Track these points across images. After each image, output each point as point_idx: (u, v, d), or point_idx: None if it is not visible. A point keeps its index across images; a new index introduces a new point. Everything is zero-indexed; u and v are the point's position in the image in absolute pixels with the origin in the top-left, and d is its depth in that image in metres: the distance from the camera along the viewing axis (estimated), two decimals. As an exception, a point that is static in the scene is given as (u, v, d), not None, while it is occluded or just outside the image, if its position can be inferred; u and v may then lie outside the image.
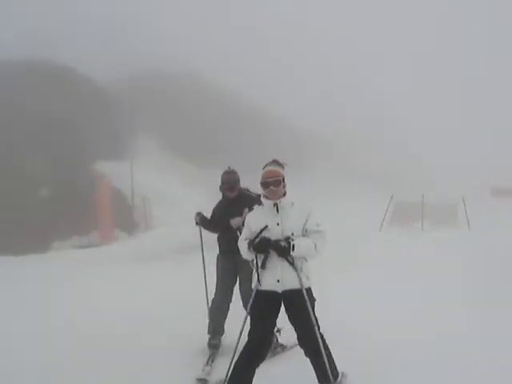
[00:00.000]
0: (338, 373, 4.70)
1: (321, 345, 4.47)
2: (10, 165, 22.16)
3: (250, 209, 5.08)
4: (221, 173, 6.18)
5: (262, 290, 4.60)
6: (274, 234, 4.51)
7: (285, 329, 5.53)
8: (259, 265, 4.59)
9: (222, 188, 6.27)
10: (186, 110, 32.79)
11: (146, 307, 8.19)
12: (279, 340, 6.03)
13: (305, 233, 4.60)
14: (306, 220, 4.61)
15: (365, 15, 46.46)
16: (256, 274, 4.64)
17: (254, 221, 4.70)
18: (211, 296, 6.26)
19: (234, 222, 5.94)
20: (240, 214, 5.82)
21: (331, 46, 43.27)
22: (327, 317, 4.81)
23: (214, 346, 6.14)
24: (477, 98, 43.26)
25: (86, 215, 22.06)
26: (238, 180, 6.26)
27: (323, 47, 43.24)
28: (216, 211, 6.42)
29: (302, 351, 4.66)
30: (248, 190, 6.30)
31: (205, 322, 6.27)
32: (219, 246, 6.31)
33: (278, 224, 4.55)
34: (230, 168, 6.29)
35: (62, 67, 28.32)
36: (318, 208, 4.79)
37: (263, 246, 4.49)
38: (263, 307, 4.60)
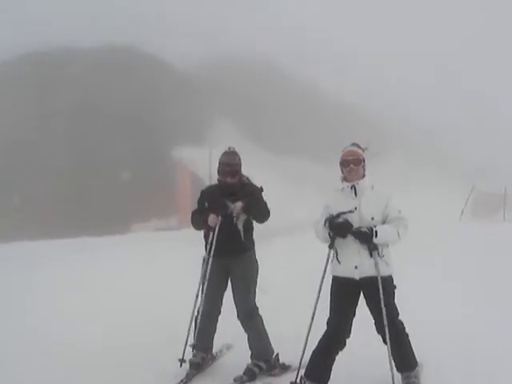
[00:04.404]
0: (415, 363, 4.62)
1: (387, 335, 4.36)
2: (92, 150, 23.02)
3: (253, 195, 4.96)
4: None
5: (340, 276, 4.54)
6: (351, 218, 4.42)
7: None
8: (332, 247, 4.54)
9: (220, 171, 5.17)
10: (263, 97, 32.78)
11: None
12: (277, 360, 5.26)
13: (385, 218, 4.50)
14: (386, 205, 4.51)
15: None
16: (332, 260, 4.59)
17: (332, 204, 4.61)
18: None
19: (235, 207, 4.96)
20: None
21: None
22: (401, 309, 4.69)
23: (196, 365, 5.19)
24: None
25: (165, 199, 22.64)
26: (241, 164, 5.24)
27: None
28: (206, 200, 5.29)
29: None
30: (248, 179, 5.30)
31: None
32: (209, 245, 5.11)
33: (355, 208, 4.46)
34: (231, 148, 5.25)
35: (141, 53, 28.94)
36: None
37: (343, 229, 4.38)
38: (341, 294, 4.54)
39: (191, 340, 5.26)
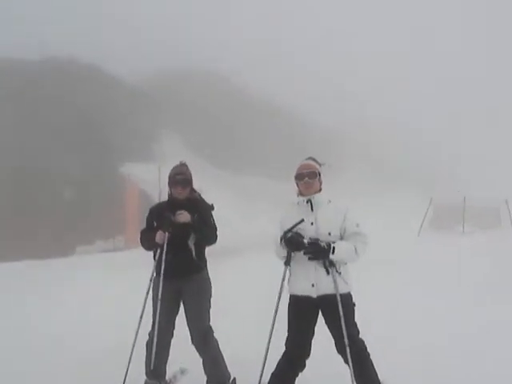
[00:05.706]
0: (378, 382, 4.31)
1: (349, 355, 4.09)
2: (35, 165, 22.25)
3: (201, 216, 4.77)
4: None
5: (297, 294, 4.34)
6: (307, 233, 4.23)
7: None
8: (288, 264, 4.33)
9: (170, 182, 4.90)
10: (212, 111, 32.74)
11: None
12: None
13: (343, 233, 4.30)
14: (344, 219, 4.32)
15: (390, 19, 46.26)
16: (289, 277, 4.40)
17: (287, 218, 4.39)
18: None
19: (181, 216, 4.70)
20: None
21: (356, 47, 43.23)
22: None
23: None
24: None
25: (113, 218, 22.05)
26: (191, 177, 5.00)
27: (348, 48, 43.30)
28: (154, 218, 4.97)
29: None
30: (200, 195, 5.08)
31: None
32: (157, 266, 4.79)
33: (312, 223, 4.27)
34: (182, 162, 5.05)
35: (88, 66, 28.51)
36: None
37: (294, 243, 4.17)
38: (299, 313, 4.34)
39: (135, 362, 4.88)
